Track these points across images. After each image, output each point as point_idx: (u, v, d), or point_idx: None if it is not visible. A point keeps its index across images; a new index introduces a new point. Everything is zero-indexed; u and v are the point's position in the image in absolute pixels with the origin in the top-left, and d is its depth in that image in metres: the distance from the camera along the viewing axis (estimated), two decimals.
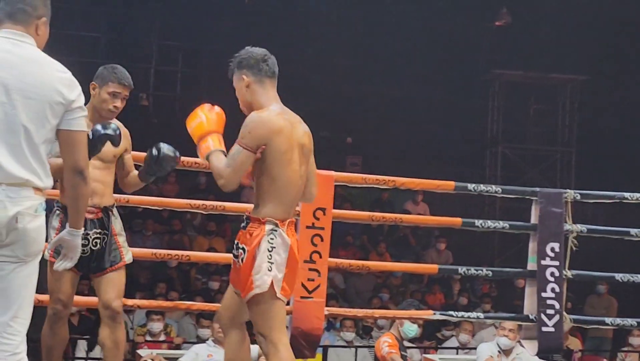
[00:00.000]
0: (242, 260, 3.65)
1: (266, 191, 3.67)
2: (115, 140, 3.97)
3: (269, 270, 3.59)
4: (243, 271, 3.65)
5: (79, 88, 3.21)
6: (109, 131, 3.92)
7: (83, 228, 3.35)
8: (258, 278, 3.61)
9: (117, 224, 4.35)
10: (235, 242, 3.72)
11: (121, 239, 4.36)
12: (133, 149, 4.72)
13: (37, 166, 3.12)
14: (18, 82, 3.05)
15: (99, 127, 3.90)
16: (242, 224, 3.72)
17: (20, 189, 3.08)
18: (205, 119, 3.84)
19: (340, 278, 11.14)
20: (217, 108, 3.89)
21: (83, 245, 3.90)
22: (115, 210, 4.37)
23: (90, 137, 3.71)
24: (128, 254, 4.37)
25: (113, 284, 4.27)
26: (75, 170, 3.19)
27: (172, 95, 14.44)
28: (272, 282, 3.61)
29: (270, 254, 3.60)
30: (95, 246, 4.27)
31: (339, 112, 14.17)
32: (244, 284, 3.65)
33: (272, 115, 3.65)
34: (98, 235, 4.29)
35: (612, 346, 9.98)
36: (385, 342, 6.39)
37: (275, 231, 3.62)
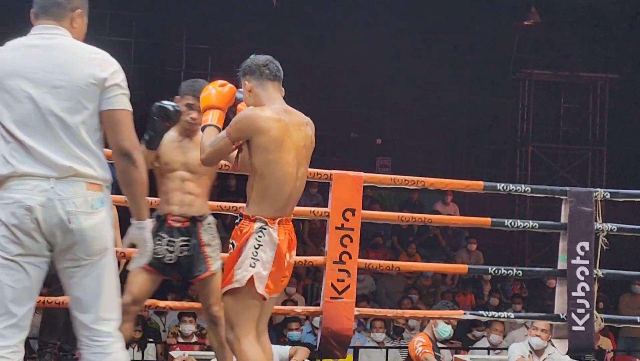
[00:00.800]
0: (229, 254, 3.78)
1: (256, 189, 3.74)
2: (171, 115, 4.07)
3: (251, 266, 3.67)
4: (227, 265, 3.76)
5: (115, 66, 3.12)
6: (165, 104, 4.01)
7: (148, 219, 3.26)
8: (238, 273, 3.69)
9: (206, 234, 4.39)
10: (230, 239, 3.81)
11: (209, 249, 4.40)
12: None
13: (84, 154, 3.00)
14: (45, 74, 2.99)
15: (156, 103, 3.98)
16: (236, 221, 3.81)
17: (70, 185, 2.97)
18: (214, 93, 3.94)
19: (371, 279, 11.15)
20: (229, 85, 3.98)
21: (169, 252, 4.26)
22: (206, 220, 4.41)
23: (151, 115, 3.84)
24: (215, 263, 4.42)
25: (210, 291, 4.38)
26: (121, 152, 3.04)
27: None
28: (251, 278, 3.68)
29: (257, 251, 3.67)
30: (181, 253, 4.36)
31: (369, 114, 14.18)
32: (225, 276, 3.75)
33: (263, 114, 3.70)
34: (185, 243, 4.36)
35: None
36: (420, 342, 6.38)
37: (265, 229, 3.68)
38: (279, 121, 3.71)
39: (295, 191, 3.79)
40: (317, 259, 5.67)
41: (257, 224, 3.69)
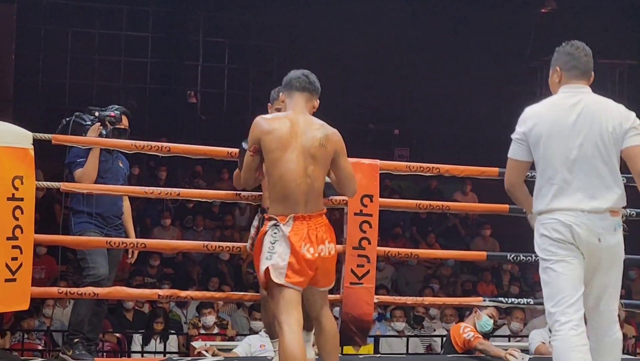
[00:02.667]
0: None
1: (268, 189, 4.13)
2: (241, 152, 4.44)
3: (267, 259, 3.98)
4: (255, 263, 4.14)
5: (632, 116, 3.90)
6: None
7: None
8: (260, 266, 4.03)
9: None
10: None
11: None
12: None
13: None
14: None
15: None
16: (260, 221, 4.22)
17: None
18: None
19: (392, 269, 11.17)
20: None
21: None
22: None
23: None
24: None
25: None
26: None
27: (220, 92, 14.55)
28: (267, 269, 3.96)
29: (273, 246, 3.97)
30: None
31: (386, 104, 14.19)
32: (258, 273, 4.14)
33: (267, 117, 4.09)
34: None
35: None
36: (468, 327, 6.27)
37: (277, 225, 3.98)
38: (282, 122, 4.03)
39: (303, 189, 4.00)
40: (337, 247, 5.67)
41: (270, 222, 4.02)
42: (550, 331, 6.40)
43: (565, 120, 3.91)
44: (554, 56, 4.09)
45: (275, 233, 3.98)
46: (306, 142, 4.01)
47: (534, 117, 4.01)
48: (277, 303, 3.98)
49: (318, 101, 4.23)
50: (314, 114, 4.23)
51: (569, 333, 3.80)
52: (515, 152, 4.04)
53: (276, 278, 3.94)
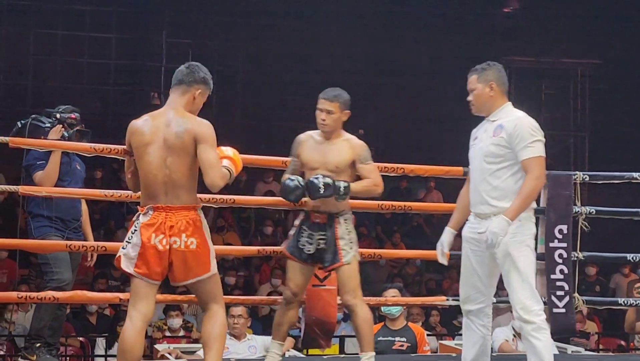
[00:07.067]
0: None
1: None
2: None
3: (122, 248, 4.10)
4: None
5: None
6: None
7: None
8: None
9: (341, 228, 4.76)
10: None
11: (342, 242, 4.75)
12: None
13: None
14: None
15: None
16: None
17: None
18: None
19: None
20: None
21: (309, 243, 4.77)
22: (343, 216, 4.79)
23: None
24: (347, 256, 4.75)
25: (342, 281, 4.79)
26: None
27: None
28: (119, 258, 4.10)
29: (132, 235, 4.07)
30: (318, 246, 4.78)
31: (351, 104, 14.17)
32: None
33: (136, 120, 4.19)
34: (322, 236, 4.78)
35: None
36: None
37: (138, 215, 4.09)
38: (145, 122, 4.14)
39: (162, 180, 4.05)
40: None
41: (136, 214, 4.14)
42: (514, 328, 6.49)
43: None
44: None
45: (137, 224, 4.06)
46: (163, 135, 4.06)
47: None
48: (130, 293, 4.11)
49: (202, 88, 4.23)
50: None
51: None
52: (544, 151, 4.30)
53: (126, 267, 4.06)
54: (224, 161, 4.20)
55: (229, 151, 4.30)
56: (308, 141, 4.85)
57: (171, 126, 4.08)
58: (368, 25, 13.69)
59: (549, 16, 13.66)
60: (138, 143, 4.10)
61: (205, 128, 4.10)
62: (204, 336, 4.16)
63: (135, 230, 4.05)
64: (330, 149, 4.79)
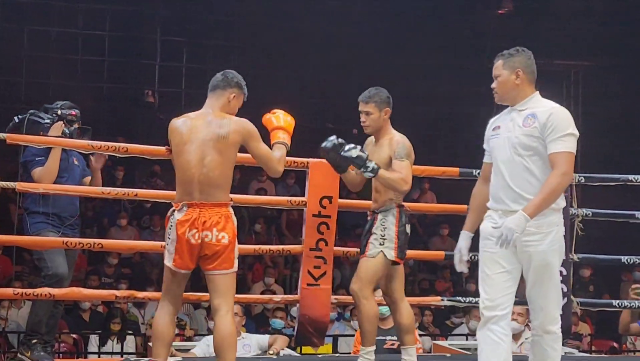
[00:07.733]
0: None
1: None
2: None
3: (166, 244, 4.28)
4: None
5: None
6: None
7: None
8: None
9: (378, 224, 4.88)
10: None
11: (372, 237, 4.87)
12: None
13: None
14: None
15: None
16: None
17: None
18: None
19: (349, 269, 11.18)
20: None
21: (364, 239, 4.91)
22: (382, 213, 4.90)
23: None
24: (372, 250, 4.84)
25: (357, 272, 4.88)
26: None
27: (178, 91, 14.46)
28: (165, 254, 4.30)
29: (169, 231, 4.25)
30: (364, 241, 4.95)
31: (345, 104, 14.13)
32: None
33: (176, 119, 4.40)
34: (366, 231, 4.95)
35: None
36: None
37: (173, 212, 4.25)
38: (183, 122, 4.34)
39: (196, 177, 4.22)
40: (294, 247, 5.68)
41: (170, 210, 4.29)
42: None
43: None
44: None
45: (171, 220, 4.24)
46: (200, 135, 4.26)
47: None
48: (164, 281, 4.31)
49: (236, 91, 4.44)
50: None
51: None
52: (575, 148, 4.00)
53: (167, 261, 4.27)
54: (279, 133, 4.54)
55: (280, 117, 4.62)
56: (369, 144, 5.07)
57: (212, 126, 4.28)
58: (358, 27, 13.69)
59: (541, 18, 13.69)
60: (177, 141, 4.30)
61: (249, 126, 4.32)
62: (215, 345, 4.23)
63: (171, 226, 4.22)
64: (376, 149, 4.97)
